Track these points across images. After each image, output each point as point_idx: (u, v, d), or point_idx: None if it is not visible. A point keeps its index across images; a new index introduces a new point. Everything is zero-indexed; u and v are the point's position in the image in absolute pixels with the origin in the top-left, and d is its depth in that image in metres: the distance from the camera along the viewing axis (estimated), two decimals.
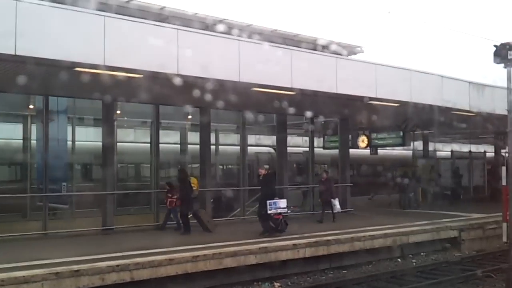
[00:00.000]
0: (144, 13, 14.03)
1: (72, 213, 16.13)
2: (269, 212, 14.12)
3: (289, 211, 19.31)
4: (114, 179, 15.95)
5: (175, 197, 15.17)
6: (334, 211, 17.57)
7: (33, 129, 16.62)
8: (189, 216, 14.92)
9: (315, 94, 14.50)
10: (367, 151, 24.81)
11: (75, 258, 10.36)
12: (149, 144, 16.92)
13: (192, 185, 15.55)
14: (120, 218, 15.56)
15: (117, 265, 10.16)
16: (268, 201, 14.22)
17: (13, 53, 9.46)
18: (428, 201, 23.88)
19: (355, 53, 20.28)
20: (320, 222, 17.00)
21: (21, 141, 17.65)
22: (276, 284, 12.35)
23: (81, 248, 11.66)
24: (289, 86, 13.42)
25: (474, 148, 32.79)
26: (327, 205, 17.67)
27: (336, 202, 17.67)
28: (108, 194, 15.20)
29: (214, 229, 14.96)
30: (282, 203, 14.57)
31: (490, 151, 31.24)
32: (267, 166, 16.22)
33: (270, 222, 14.17)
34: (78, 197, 16.29)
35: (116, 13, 11.60)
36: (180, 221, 15.02)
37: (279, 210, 14.30)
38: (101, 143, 15.35)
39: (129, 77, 11.52)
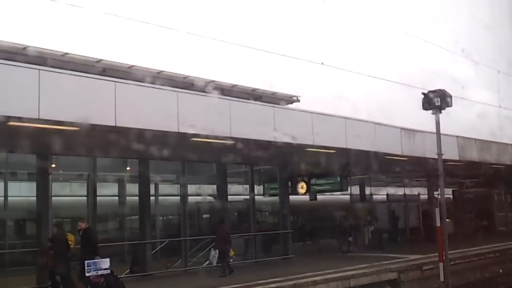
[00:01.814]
0: (79, 66, 13.98)
1: (6, 272, 15.36)
2: (87, 274, 11.92)
3: (231, 260, 19.26)
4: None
5: None
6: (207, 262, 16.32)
7: None
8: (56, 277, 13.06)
9: (253, 143, 14.72)
10: (307, 197, 25.13)
11: None
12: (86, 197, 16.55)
13: (69, 242, 13.53)
14: None
15: None
16: (86, 261, 12.05)
17: None
18: (366, 244, 24.29)
19: (291, 102, 20.83)
20: (223, 276, 15.65)
21: None
22: None
23: None
24: (227, 135, 13.59)
25: (408, 190, 33.83)
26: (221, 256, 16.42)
27: (212, 252, 16.51)
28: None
29: None
30: (104, 263, 12.24)
31: (423, 193, 32.31)
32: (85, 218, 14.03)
33: (89, 286, 12.12)
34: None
35: (51, 66, 11.52)
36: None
37: (100, 272, 12.06)
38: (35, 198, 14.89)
39: (65, 130, 11.35)
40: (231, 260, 19.01)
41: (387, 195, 31.24)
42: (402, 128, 19.09)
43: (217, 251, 16.30)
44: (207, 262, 16.23)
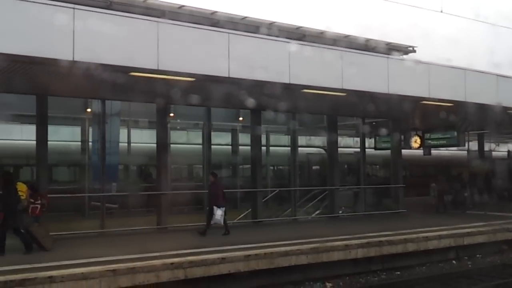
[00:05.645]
0: (195, 18, 14.34)
1: (127, 213, 16.66)
2: None
3: (340, 212, 19.39)
4: (168, 180, 16.29)
5: (38, 202, 12.41)
6: (212, 222, 14.00)
7: (90, 131, 17.22)
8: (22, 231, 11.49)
9: (366, 95, 14.44)
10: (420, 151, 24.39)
11: (131, 256, 10.67)
12: (201, 146, 17.29)
13: (20, 193, 11.98)
14: (174, 218, 15.86)
15: (172, 263, 10.43)
16: None
17: (71, 59, 9.88)
18: (484, 202, 23.22)
19: (406, 53, 20.03)
20: (202, 235, 13.88)
21: (79, 143, 18.28)
22: (328, 285, 12.33)
23: (137, 246, 11.98)
24: (339, 87, 13.42)
25: None
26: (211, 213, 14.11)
27: (218, 211, 13.93)
28: (162, 195, 15.58)
29: (51, 246, 11.76)
30: None
31: None
32: None
33: None
34: (132, 197, 16.80)
35: (169, 19, 11.94)
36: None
37: None
38: (155, 145, 15.80)
39: (182, 80, 11.82)
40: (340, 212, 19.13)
41: (509, 151, 29.46)
42: None
43: (223, 209, 14.11)
44: (214, 221, 14.16)
